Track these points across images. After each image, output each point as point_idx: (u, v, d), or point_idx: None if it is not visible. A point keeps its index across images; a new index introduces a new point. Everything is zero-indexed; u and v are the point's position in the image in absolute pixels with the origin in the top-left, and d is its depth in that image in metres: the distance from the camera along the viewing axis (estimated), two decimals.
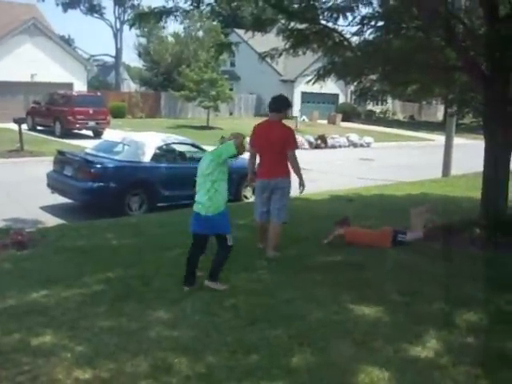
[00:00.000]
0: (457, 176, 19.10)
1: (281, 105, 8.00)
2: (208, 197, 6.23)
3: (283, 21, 9.76)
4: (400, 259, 7.73)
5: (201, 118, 38.48)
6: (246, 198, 13.57)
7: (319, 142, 29.06)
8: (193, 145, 13.30)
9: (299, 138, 28.82)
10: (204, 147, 13.97)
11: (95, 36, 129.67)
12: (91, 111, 27.18)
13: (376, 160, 24.12)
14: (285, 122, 8.02)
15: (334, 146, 29.50)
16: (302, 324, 5.38)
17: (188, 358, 4.64)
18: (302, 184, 7.90)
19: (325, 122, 44.74)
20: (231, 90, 39.88)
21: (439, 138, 31.93)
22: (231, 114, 45.10)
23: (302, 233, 9.15)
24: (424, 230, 8.70)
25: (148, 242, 8.58)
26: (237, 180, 13.18)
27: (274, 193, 7.84)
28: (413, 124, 50.22)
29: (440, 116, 56.92)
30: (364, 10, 23.57)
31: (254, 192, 10.31)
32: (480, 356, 4.81)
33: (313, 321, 5.47)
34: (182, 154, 12.94)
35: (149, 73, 54.31)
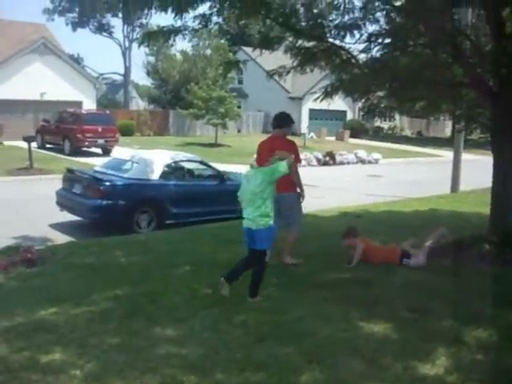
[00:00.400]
0: (465, 192, 19.04)
1: (282, 121, 8.27)
2: (259, 213, 6.51)
3: (291, 39, 9.82)
4: (409, 275, 7.71)
5: (209, 136, 38.62)
6: None
7: (327, 158, 29.08)
8: (201, 162, 13.35)
9: (308, 155, 28.90)
10: (212, 164, 14.06)
11: (104, 54, 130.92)
12: (100, 129, 27.35)
13: (384, 176, 24.11)
14: (293, 138, 8.14)
15: (342, 163, 29.49)
16: (311, 341, 5.37)
17: (196, 376, 4.64)
18: (302, 196, 8.29)
19: (333, 138, 44.79)
20: (239, 107, 40.07)
21: (447, 154, 31.88)
22: (239, 131, 45.26)
23: (311, 249, 9.14)
24: (429, 250, 8.57)
25: (156, 260, 8.59)
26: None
27: (284, 208, 8.05)
28: (421, 140, 50.23)
29: (448, 132, 56.86)
30: (371, 28, 23.55)
31: None
32: (490, 374, 4.79)
33: (322, 338, 5.46)
34: (190, 171, 12.99)
35: (157, 91, 54.75)
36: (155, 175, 11.93)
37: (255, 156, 8.24)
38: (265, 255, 6.63)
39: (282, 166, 6.56)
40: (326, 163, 28.72)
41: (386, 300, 6.63)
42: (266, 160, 7.97)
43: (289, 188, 8.06)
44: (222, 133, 37.17)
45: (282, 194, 7.85)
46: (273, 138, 8.20)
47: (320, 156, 29.10)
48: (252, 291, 6.62)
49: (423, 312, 6.19)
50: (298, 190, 8.32)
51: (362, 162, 30.80)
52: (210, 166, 13.41)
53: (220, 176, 13.02)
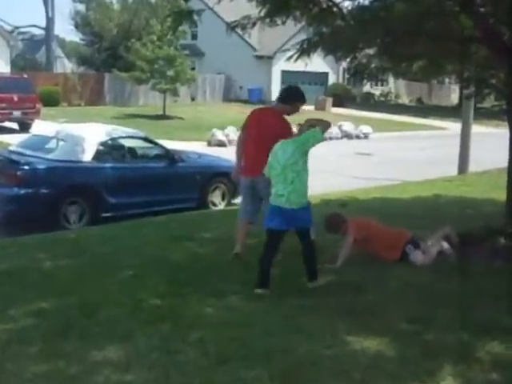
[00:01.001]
0: (476, 173, 19.31)
1: (288, 95, 8.44)
2: (292, 188, 7.02)
3: None
4: (407, 277, 7.79)
5: (156, 106, 38.41)
6: (213, 204, 13.61)
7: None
8: (146, 139, 13.31)
9: None
10: (160, 142, 14.00)
11: (20, 2, 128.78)
12: (16, 98, 26.99)
13: (376, 154, 24.26)
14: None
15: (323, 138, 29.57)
16: (287, 360, 5.40)
17: None
18: None
19: (311, 107, 44.87)
20: (193, 69, 39.97)
21: (454, 126, 32.23)
22: (193, 99, 45.11)
23: (285, 247, 9.18)
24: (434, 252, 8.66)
25: (91, 263, 8.54)
26: (201, 182, 13.25)
27: (260, 195, 8.27)
28: (421, 109, 50.71)
29: (454, 99, 57.55)
30: None
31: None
32: None
33: (300, 356, 5.49)
34: (132, 150, 12.94)
35: (89, 49, 54.17)
36: (87, 156, 11.84)
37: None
38: (309, 235, 7.25)
39: (317, 133, 7.16)
40: None
41: (379, 308, 6.70)
42: (248, 133, 8.18)
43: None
44: (171, 101, 36.99)
45: (257, 177, 8.03)
46: (266, 110, 8.52)
47: (295, 130, 29.10)
48: (311, 274, 7.29)
49: (425, 322, 6.26)
50: None
51: (348, 136, 31.01)
52: (156, 144, 13.37)
53: (170, 156, 12.99)
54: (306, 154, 7.17)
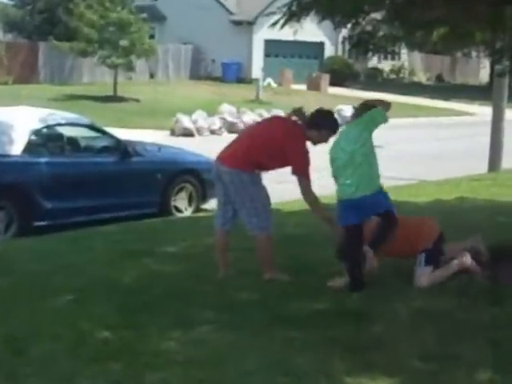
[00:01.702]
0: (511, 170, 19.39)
1: (321, 122, 8.60)
2: (361, 172, 7.72)
3: None
4: (421, 302, 7.81)
5: (104, 84, 38.38)
6: (178, 210, 13.59)
7: (295, 119, 29.22)
8: (91, 127, 13.27)
9: (262, 114, 28.88)
10: (110, 131, 13.96)
11: None
12: None
13: (384, 147, 24.19)
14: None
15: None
16: None
17: None
18: None
19: (303, 87, 45.05)
20: (152, 37, 39.94)
21: (483, 111, 32.41)
22: (153, 76, 45.05)
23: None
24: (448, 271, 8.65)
25: (21, 285, 8.51)
26: (162, 182, 13.23)
27: (232, 192, 8.40)
28: (441, 89, 50.97)
29: (484, 76, 57.82)
30: None
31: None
32: None
33: None
34: (73, 141, 12.91)
35: (19, 11, 53.91)
36: (16, 148, 11.80)
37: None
38: (391, 217, 7.92)
39: (381, 111, 7.87)
40: None
41: (386, 342, 6.70)
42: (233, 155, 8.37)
43: (239, 162, 8.29)
44: (125, 79, 36.97)
45: (225, 165, 8.30)
46: (281, 122, 9.24)
47: (283, 116, 29.20)
48: (374, 245, 7.88)
49: (443, 360, 6.27)
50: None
51: None
52: (105, 133, 13.34)
53: (122, 149, 12.97)
54: (372, 133, 7.86)
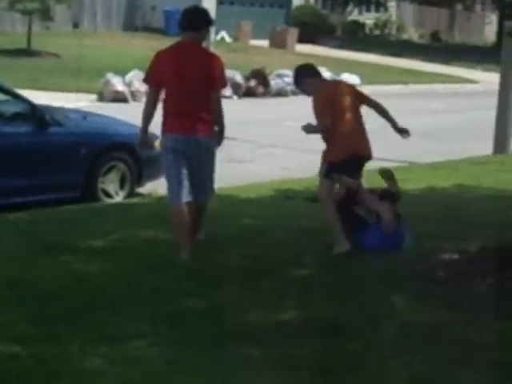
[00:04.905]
0: None
1: (200, 20, 9.31)
2: None
3: None
4: (411, 314, 7.86)
5: (15, 35, 38.10)
6: (107, 194, 13.53)
7: (254, 83, 29.27)
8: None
9: None
10: (22, 93, 13.87)
11: None
12: None
13: (366, 120, 24.31)
14: None
15: (281, 93, 29.74)
16: None
17: None
18: (220, 139, 9.62)
19: (264, 42, 45.07)
20: None
21: (488, 78, 32.66)
22: (77, 26, 44.78)
23: (222, 261, 9.22)
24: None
25: None
26: (88, 159, 13.17)
27: (197, 158, 9.19)
28: (437, 49, 51.24)
29: (490, 35, 58.17)
30: None
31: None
32: None
33: None
34: None
35: None
36: None
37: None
38: None
39: None
40: (250, 92, 29.11)
41: (365, 363, 6.74)
42: (167, 82, 8.92)
43: (205, 127, 9.15)
44: (41, 29, 36.74)
45: (197, 134, 9.03)
46: (184, 47, 9.15)
47: (239, 79, 29.20)
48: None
49: None
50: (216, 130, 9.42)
51: None
52: (16, 97, 13.24)
53: (38, 116, 12.89)
54: None
